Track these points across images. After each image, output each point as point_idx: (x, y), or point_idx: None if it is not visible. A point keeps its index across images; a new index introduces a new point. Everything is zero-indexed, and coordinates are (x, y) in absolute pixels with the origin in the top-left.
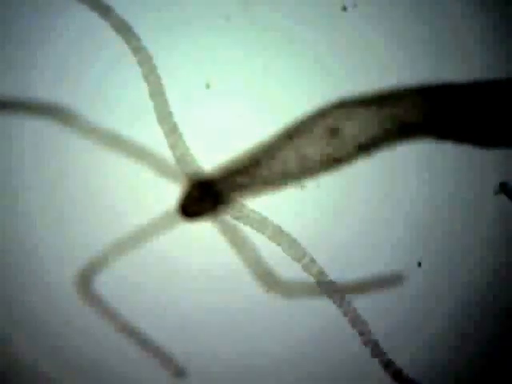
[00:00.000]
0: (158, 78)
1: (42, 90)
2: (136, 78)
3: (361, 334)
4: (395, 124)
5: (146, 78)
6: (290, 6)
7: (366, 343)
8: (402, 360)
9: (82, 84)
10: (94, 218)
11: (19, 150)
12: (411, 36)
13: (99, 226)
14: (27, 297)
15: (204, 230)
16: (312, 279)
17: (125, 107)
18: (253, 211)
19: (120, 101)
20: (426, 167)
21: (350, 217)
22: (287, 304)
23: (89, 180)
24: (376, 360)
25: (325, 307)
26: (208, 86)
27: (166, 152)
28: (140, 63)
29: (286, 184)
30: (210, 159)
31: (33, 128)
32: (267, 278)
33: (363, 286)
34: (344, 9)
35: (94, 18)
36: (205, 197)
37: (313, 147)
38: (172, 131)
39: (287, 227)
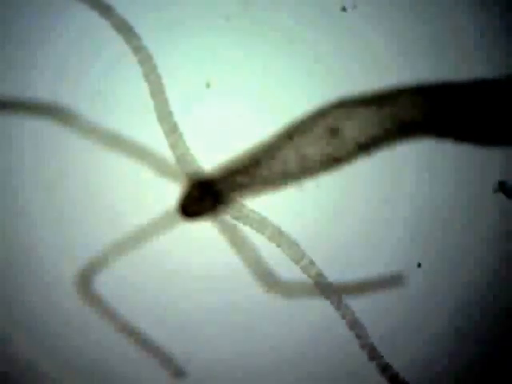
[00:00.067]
0: (159, 77)
1: (42, 89)
2: (136, 78)
3: (358, 337)
4: (395, 123)
5: (146, 77)
6: (290, 6)
7: (363, 346)
8: (402, 360)
9: (82, 84)
10: (94, 217)
11: (19, 150)
12: (411, 36)
13: (99, 225)
14: (27, 297)
15: (204, 229)
16: (310, 281)
17: (125, 107)
18: (252, 211)
19: (120, 101)
20: (426, 167)
21: (349, 217)
22: (287, 304)
23: (89, 180)
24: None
25: (325, 307)
26: (208, 86)
27: (166, 152)
28: (140, 63)
29: (285, 184)
30: (210, 159)
31: (33, 128)
32: (267, 278)
33: (363, 287)
34: (344, 9)
35: (94, 17)
36: (205, 197)
37: (313, 147)
38: (172, 131)
39: (287, 227)
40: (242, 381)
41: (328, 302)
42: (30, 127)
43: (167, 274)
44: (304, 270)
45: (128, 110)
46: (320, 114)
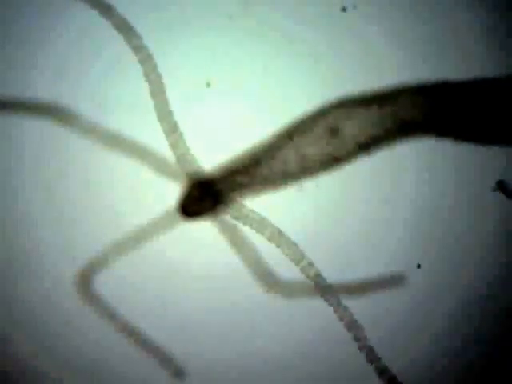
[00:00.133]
0: (159, 76)
1: (42, 90)
2: (137, 77)
3: (356, 339)
4: (395, 123)
5: (146, 76)
6: (290, 6)
7: (361, 348)
8: (402, 360)
9: (82, 84)
10: (94, 217)
11: (19, 150)
12: (411, 36)
13: (99, 226)
14: (27, 297)
15: (204, 229)
16: (309, 282)
17: (125, 107)
18: (252, 211)
19: (120, 100)
20: (426, 167)
21: (349, 217)
22: (287, 304)
23: (89, 180)
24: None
25: (325, 307)
26: (208, 85)
27: (166, 151)
28: (141, 62)
29: (285, 184)
30: (210, 159)
31: (33, 128)
32: (267, 278)
33: (363, 287)
34: (343, 9)
35: (94, 17)
36: (205, 196)
37: (313, 147)
38: (172, 130)
39: (287, 227)
40: (241, 381)
41: (328, 303)
42: (30, 127)
43: (167, 273)
44: (303, 270)
45: (128, 110)
46: (320, 114)
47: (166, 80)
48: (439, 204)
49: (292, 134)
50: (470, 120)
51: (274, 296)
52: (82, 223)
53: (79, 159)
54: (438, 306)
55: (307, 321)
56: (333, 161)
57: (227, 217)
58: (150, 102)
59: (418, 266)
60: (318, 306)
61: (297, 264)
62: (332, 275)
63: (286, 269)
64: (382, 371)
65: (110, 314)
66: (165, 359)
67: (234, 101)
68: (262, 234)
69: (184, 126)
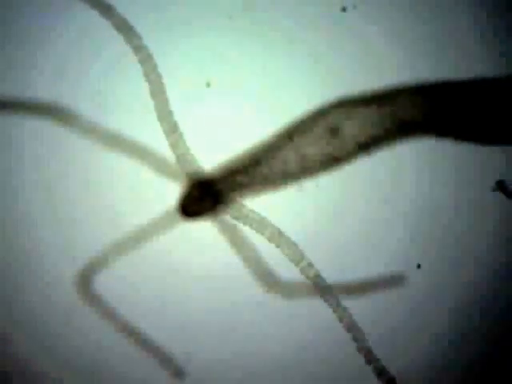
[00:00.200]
0: (159, 76)
1: (42, 89)
2: (136, 78)
3: (355, 340)
4: (395, 123)
5: (146, 76)
6: (290, 5)
7: (359, 350)
8: (401, 360)
9: (82, 84)
10: (94, 217)
11: (19, 150)
12: (411, 36)
13: (99, 225)
14: (27, 297)
15: (204, 229)
16: (309, 282)
17: (125, 107)
18: (252, 211)
19: (120, 100)
20: (426, 167)
21: (349, 217)
22: (287, 304)
23: (89, 180)
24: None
25: (325, 307)
26: (208, 85)
27: (166, 151)
28: (141, 62)
29: (285, 184)
30: (210, 159)
31: (33, 128)
32: (267, 278)
33: (363, 287)
34: (343, 9)
35: (94, 17)
36: (205, 196)
37: (313, 147)
38: (172, 130)
39: (287, 227)
40: (242, 381)
41: (327, 303)
42: (30, 127)
43: (167, 274)
44: (303, 271)
45: (128, 109)
46: (320, 114)
47: (166, 80)
48: (439, 204)
49: (292, 133)
50: (469, 120)
51: (273, 296)
52: (81, 223)
53: (79, 159)
54: (438, 306)
55: (307, 321)
56: (333, 161)
57: (227, 217)
58: (150, 102)
59: (418, 266)
60: (318, 306)
61: (296, 264)
62: (332, 275)
63: (285, 269)
64: (381, 372)
65: (110, 314)
66: (165, 359)
67: (234, 101)
68: (262, 234)
69: (184, 126)
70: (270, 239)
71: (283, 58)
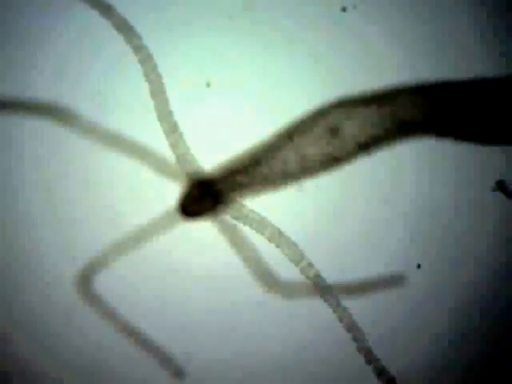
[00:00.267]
0: (159, 76)
1: (42, 89)
2: (136, 78)
3: (355, 340)
4: (395, 123)
5: (146, 76)
6: (290, 6)
7: (359, 350)
8: (401, 360)
9: (82, 84)
10: (94, 217)
11: (19, 150)
12: (411, 36)
13: (99, 225)
14: (27, 297)
15: (204, 229)
16: (309, 282)
17: (125, 107)
18: (252, 211)
19: (120, 100)
20: (426, 167)
21: (349, 217)
22: (287, 304)
23: (89, 180)
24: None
25: (325, 307)
26: (208, 85)
27: (166, 151)
28: (141, 62)
29: (285, 184)
30: (210, 159)
31: (33, 128)
32: (267, 278)
33: (363, 287)
34: (343, 9)
35: (94, 17)
36: (205, 196)
37: (313, 147)
38: (172, 130)
39: (287, 227)
40: (242, 381)
41: (327, 303)
42: (30, 127)
43: (167, 274)
44: (303, 271)
45: (128, 109)
46: (320, 114)
47: (166, 80)
48: (439, 204)
49: (292, 134)
50: (469, 120)
51: (274, 296)
52: (81, 223)
53: (79, 159)
54: (438, 306)
55: (307, 321)
56: (333, 161)
57: (227, 217)
58: (150, 102)
59: (418, 266)
60: (318, 306)
61: (296, 264)
62: (332, 275)
63: (285, 269)
64: (381, 372)
65: (110, 314)
66: (165, 359)
67: (234, 101)
68: (262, 234)
69: (184, 126)
70: (270, 239)
71: (283, 58)
